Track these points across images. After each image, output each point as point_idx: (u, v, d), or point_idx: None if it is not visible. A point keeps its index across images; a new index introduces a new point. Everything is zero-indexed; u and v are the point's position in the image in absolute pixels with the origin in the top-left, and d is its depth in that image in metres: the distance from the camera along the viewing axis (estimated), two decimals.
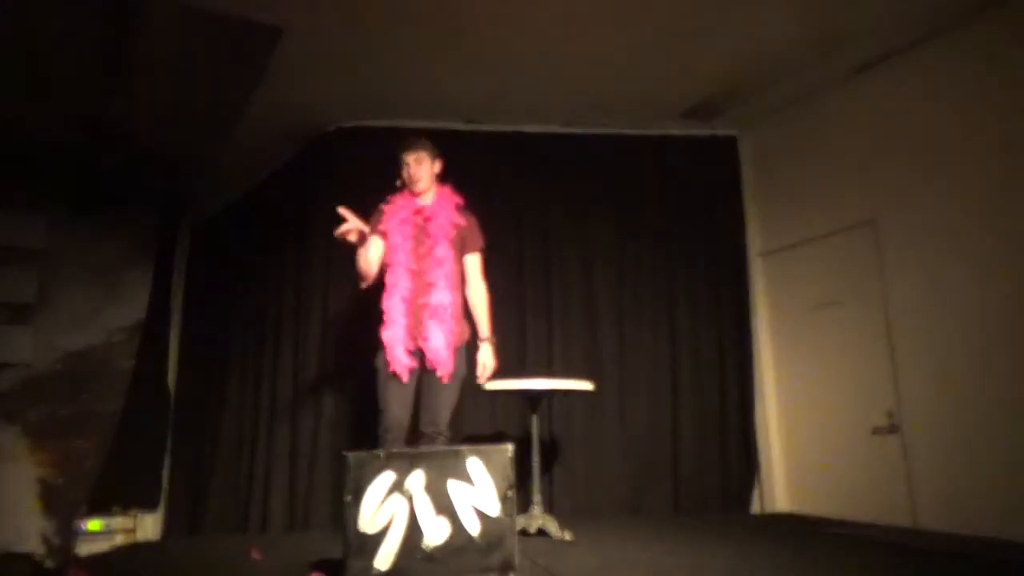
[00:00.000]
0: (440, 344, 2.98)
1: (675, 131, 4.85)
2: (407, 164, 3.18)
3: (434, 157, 3.22)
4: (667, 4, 3.54)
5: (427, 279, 3.05)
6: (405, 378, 2.98)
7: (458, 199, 3.25)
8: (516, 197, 4.65)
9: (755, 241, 4.85)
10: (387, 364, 2.98)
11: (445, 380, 2.98)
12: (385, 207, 3.23)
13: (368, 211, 3.26)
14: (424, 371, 3.04)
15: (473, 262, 3.23)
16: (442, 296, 3.02)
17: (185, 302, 5.78)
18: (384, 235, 3.15)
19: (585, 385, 3.52)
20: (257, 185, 5.28)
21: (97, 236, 5.09)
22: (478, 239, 3.25)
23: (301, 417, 4.39)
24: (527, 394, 3.47)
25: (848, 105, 4.31)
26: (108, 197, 5.08)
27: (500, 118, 4.68)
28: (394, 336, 3.00)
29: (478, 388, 3.32)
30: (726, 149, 4.94)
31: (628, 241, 4.70)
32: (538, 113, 4.66)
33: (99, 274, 5.06)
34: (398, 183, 3.25)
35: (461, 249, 3.19)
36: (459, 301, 3.14)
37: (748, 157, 4.95)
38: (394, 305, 3.04)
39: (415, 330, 3.02)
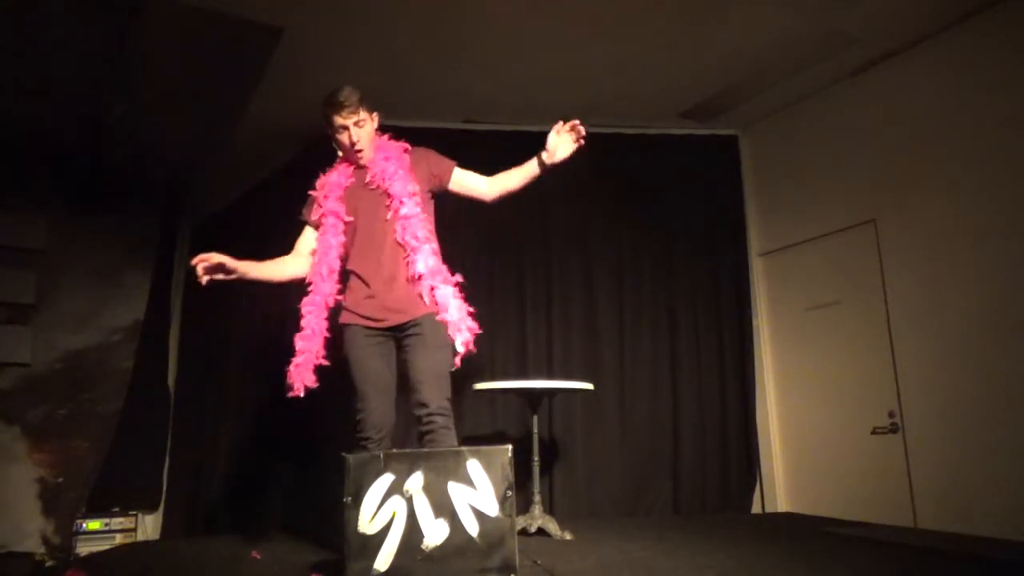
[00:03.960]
0: (456, 310, 2.61)
1: (675, 131, 4.85)
2: (345, 130, 2.68)
3: (372, 110, 2.74)
4: (667, 4, 3.54)
5: (406, 244, 2.65)
6: (301, 393, 2.66)
7: (404, 145, 2.83)
8: (515, 197, 4.64)
9: (755, 241, 4.85)
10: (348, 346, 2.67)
11: (459, 360, 2.59)
12: (319, 186, 2.83)
13: None
14: (400, 347, 2.66)
15: (461, 173, 2.84)
16: (430, 260, 2.64)
17: (185, 302, 5.78)
18: (317, 224, 2.80)
19: (585, 385, 3.52)
20: (257, 185, 5.28)
21: (97, 236, 5.08)
22: (446, 161, 2.84)
23: (301, 417, 4.38)
24: (527, 394, 3.47)
25: (848, 105, 4.31)
26: (108, 197, 5.07)
27: (499, 118, 4.67)
28: (309, 347, 2.68)
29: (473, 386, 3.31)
30: (726, 149, 4.94)
31: (628, 241, 4.70)
32: (538, 113, 4.65)
33: (99, 274, 5.06)
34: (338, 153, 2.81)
35: (441, 184, 2.81)
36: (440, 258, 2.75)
37: (748, 157, 4.95)
38: (313, 309, 2.71)
39: (381, 309, 2.65)
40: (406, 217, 2.66)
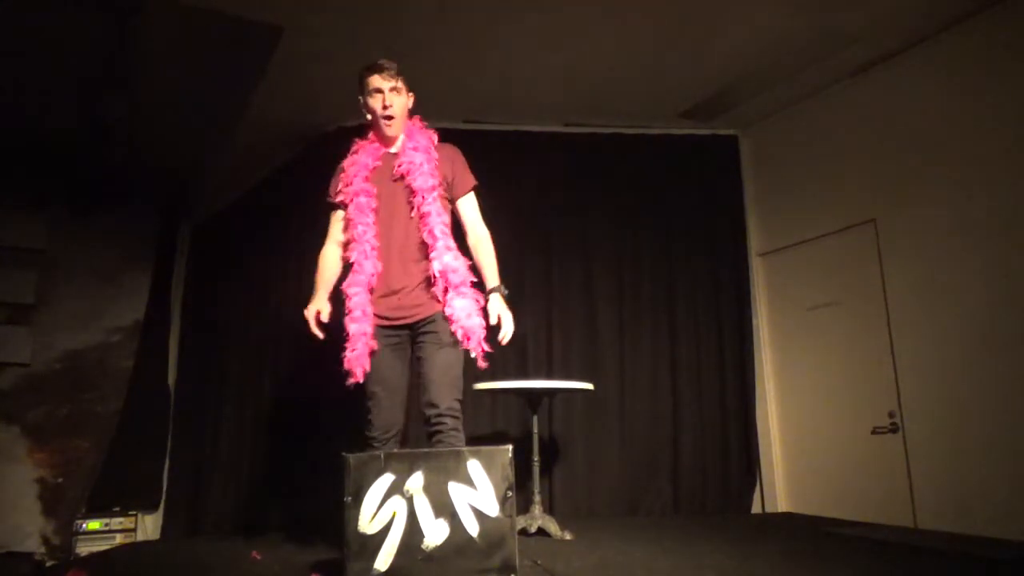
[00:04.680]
0: (470, 315, 2.54)
1: (675, 130, 4.85)
2: (380, 93, 2.64)
3: (410, 88, 2.73)
4: (667, 4, 3.54)
5: (425, 242, 2.61)
6: (361, 379, 2.59)
7: (433, 133, 2.78)
8: (515, 197, 4.64)
9: (755, 241, 4.85)
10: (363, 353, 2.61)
11: (481, 360, 2.54)
12: (346, 166, 2.75)
13: None
14: (414, 344, 2.64)
15: (468, 203, 2.76)
16: (447, 257, 2.58)
17: (185, 302, 5.78)
18: (345, 206, 2.72)
19: (585, 385, 3.52)
20: (257, 185, 5.28)
21: (97, 236, 5.08)
22: (469, 177, 2.77)
23: (301, 417, 4.39)
24: (527, 394, 3.47)
25: (848, 105, 4.31)
26: (108, 197, 5.08)
27: (500, 117, 4.68)
28: (362, 329, 2.58)
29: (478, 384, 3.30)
30: (726, 149, 4.94)
31: (628, 241, 4.70)
32: (538, 113, 4.66)
33: (99, 274, 5.06)
34: (367, 119, 2.75)
35: (451, 194, 2.73)
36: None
37: (748, 157, 4.95)
38: (360, 290, 2.62)
39: (397, 307, 2.62)
40: (427, 215, 2.61)
